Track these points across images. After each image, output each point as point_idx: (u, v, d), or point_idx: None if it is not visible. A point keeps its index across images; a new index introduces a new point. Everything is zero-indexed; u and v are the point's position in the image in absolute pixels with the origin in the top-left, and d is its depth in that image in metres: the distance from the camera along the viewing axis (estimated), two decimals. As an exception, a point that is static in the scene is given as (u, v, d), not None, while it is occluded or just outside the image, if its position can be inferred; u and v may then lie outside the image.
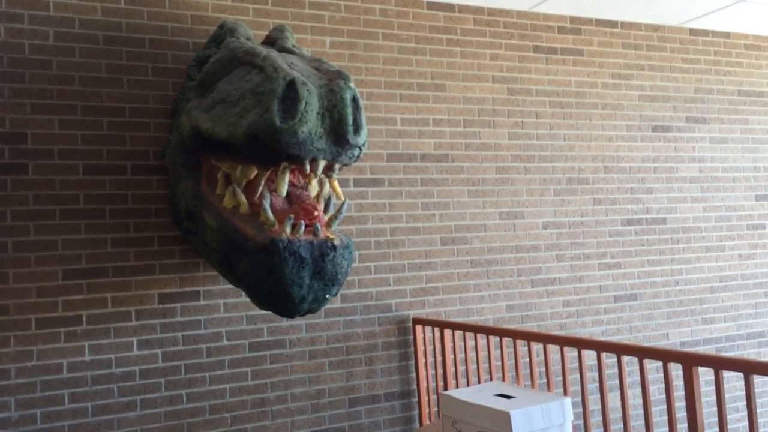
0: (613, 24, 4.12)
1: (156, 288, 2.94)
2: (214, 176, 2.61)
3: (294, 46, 2.85)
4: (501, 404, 2.18)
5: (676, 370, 3.98)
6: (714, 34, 4.42)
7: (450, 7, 3.67)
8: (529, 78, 3.85)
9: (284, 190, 2.34)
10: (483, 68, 3.73)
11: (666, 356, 2.20)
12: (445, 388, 3.18)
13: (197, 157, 2.65)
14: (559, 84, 3.93)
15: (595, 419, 3.76)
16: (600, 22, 4.08)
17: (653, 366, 4.00)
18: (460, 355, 3.36)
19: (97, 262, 2.85)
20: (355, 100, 2.26)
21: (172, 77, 3.04)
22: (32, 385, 2.71)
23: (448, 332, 3.23)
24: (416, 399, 3.41)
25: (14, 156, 2.76)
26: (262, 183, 2.43)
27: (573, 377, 3.70)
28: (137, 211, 2.94)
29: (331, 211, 2.59)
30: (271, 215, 2.31)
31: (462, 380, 3.29)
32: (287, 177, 2.32)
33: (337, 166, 2.38)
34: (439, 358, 3.32)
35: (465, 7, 3.71)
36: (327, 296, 2.44)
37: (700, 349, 4.11)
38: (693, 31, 4.35)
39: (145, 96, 2.99)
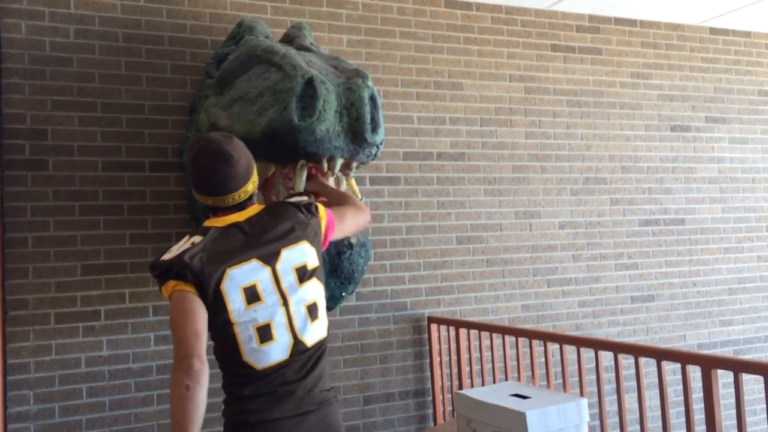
0: (632, 23, 4.08)
1: (173, 284, 2.95)
2: (231, 173, 2.62)
3: (312, 44, 2.85)
4: (516, 404, 2.17)
5: (694, 372, 3.93)
6: (734, 33, 4.36)
7: (467, 5, 3.66)
8: (547, 77, 3.83)
9: (302, 187, 2.35)
10: (500, 67, 3.71)
11: (685, 358, 2.19)
12: (460, 387, 3.18)
13: (215, 154, 2.66)
14: (577, 83, 3.90)
15: (612, 420, 3.73)
16: (619, 21, 4.05)
17: (670, 368, 3.96)
18: (475, 355, 3.35)
19: (116, 257, 2.88)
20: (372, 98, 2.26)
21: (191, 75, 3.06)
22: (51, 379, 2.74)
23: (463, 331, 3.22)
24: (430, 398, 3.40)
25: (35, 152, 2.79)
26: (279, 180, 2.43)
27: (589, 378, 3.67)
28: (155, 208, 2.96)
29: (348, 209, 2.58)
30: (288, 213, 2.31)
31: (477, 380, 3.28)
32: (305, 174, 2.32)
33: (354, 164, 2.38)
34: (453, 357, 3.31)
35: (483, 5, 3.69)
36: (343, 294, 2.44)
37: (718, 351, 4.07)
38: (713, 30, 4.30)
39: (164, 93, 3.01)
